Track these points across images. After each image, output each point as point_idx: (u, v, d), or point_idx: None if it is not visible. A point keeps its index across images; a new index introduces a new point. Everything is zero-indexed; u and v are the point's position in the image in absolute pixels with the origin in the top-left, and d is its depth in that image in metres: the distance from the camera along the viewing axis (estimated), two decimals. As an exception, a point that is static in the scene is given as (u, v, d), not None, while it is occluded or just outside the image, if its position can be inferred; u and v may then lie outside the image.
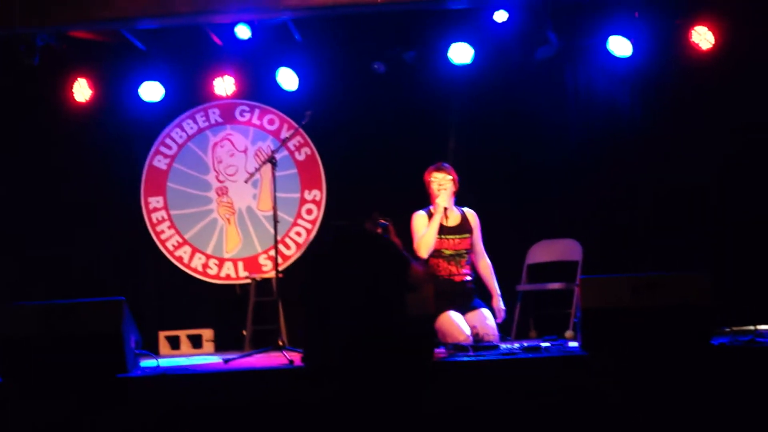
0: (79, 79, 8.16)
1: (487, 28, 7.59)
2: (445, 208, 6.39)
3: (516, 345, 5.90)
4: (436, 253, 6.35)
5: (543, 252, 7.86)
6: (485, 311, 6.29)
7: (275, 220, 6.37)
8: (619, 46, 7.66)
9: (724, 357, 4.84)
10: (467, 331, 6.01)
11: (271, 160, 6.58)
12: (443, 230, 6.37)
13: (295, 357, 5.38)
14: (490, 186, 7.82)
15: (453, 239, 6.39)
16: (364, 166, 8.28)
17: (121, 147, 8.38)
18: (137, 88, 8.18)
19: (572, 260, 7.68)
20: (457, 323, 6.11)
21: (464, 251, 6.43)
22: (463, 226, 6.46)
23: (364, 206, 8.03)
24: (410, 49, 8.02)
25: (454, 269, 6.38)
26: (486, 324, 6.16)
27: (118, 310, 4.97)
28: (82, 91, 8.18)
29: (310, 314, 4.98)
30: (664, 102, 7.89)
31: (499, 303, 6.45)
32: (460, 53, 7.84)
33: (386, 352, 4.77)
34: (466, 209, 6.54)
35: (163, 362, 5.98)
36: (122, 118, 8.36)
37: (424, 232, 6.34)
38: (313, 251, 5.38)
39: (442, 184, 6.43)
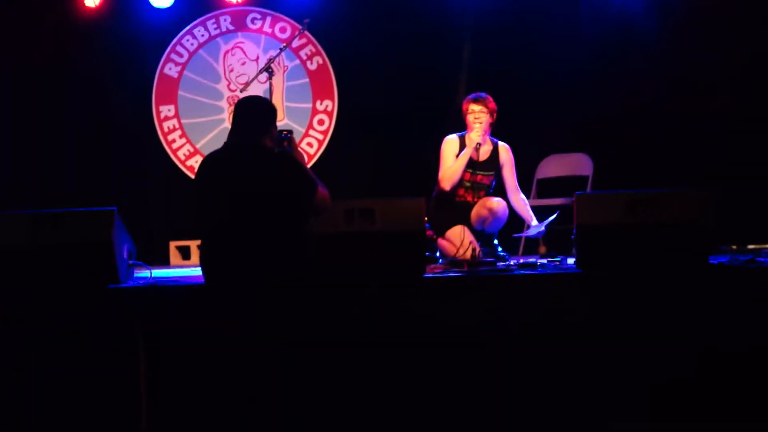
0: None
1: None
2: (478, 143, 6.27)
3: (520, 261, 5.83)
4: (458, 182, 6.26)
5: (553, 166, 7.73)
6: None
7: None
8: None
9: (722, 276, 4.75)
10: (472, 246, 5.94)
11: (268, 70, 6.46)
12: (470, 164, 6.27)
13: None
14: (502, 98, 7.66)
15: (478, 174, 6.31)
16: (376, 77, 8.12)
17: (131, 55, 8.25)
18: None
19: (583, 175, 7.55)
20: (462, 237, 6.07)
21: (487, 185, 6.34)
22: (492, 162, 6.35)
23: (377, 117, 7.99)
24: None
25: (474, 197, 6.31)
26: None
27: (109, 219, 4.93)
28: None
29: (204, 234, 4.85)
30: (680, 12, 7.58)
31: (531, 227, 6.33)
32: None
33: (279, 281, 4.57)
34: (500, 144, 6.42)
35: (161, 273, 5.99)
36: (133, 25, 8.23)
37: (451, 165, 6.24)
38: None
39: (477, 117, 6.27)
